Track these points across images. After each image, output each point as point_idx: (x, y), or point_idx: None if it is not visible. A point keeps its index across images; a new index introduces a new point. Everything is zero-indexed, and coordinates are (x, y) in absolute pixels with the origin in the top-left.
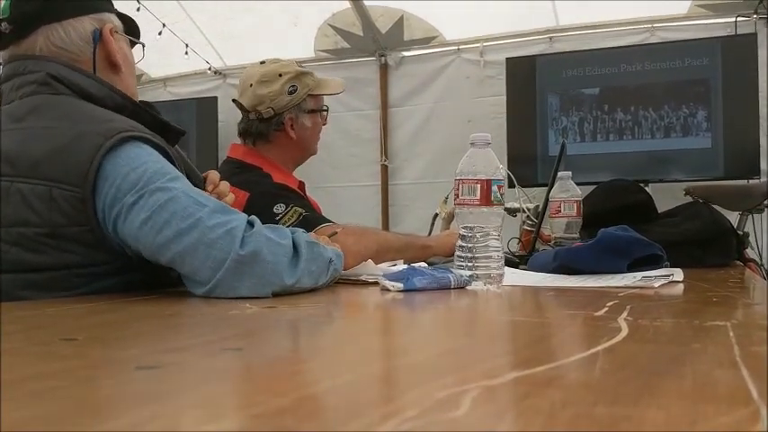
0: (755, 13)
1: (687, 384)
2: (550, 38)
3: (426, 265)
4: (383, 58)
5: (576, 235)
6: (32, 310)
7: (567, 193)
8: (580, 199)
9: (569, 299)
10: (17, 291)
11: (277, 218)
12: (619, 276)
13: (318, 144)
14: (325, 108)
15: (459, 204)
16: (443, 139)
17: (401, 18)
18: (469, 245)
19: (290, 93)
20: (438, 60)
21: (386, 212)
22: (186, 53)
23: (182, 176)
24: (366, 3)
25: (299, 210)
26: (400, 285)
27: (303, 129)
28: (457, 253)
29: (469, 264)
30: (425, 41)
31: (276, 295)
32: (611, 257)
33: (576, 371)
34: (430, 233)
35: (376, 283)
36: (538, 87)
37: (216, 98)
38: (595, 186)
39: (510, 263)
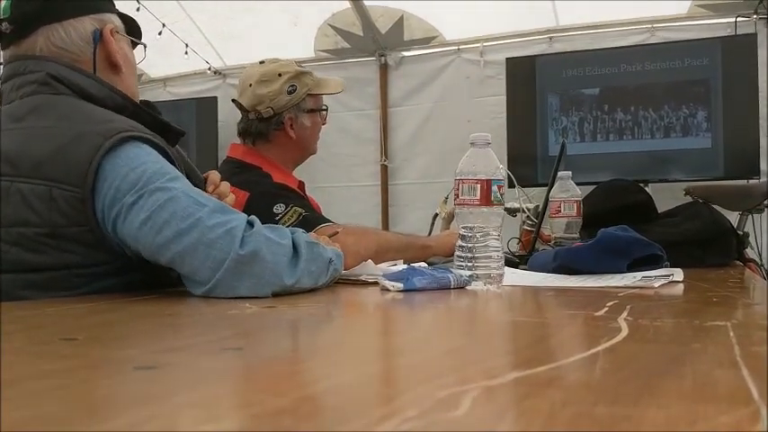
0: (755, 13)
1: (687, 384)
2: (550, 38)
3: (426, 265)
4: (383, 58)
5: (576, 235)
6: (32, 310)
7: (567, 193)
8: (580, 199)
9: (569, 299)
10: (17, 290)
11: (277, 218)
12: (619, 276)
13: (318, 144)
14: (324, 108)
15: (459, 204)
16: (443, 139)
17: (401, 18)
18: (469, 245)
19: (290, 92)
20: (438, 60)
21: (386, 212)
22: (186, 53)
23: (181, 176)
24: (366, 3)
25: (299, 210)
26: (400, 285)
27: (303, 128)
28: (457, 253)
29: (469, 264)
30: (425, 41)
31: (276, 295)
32: (611, 257)
33: (576, 371)
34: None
35: (376, 284)
36: (538, 87)
37: (216, 98)
38: (595, 186)
39: (510, 263)
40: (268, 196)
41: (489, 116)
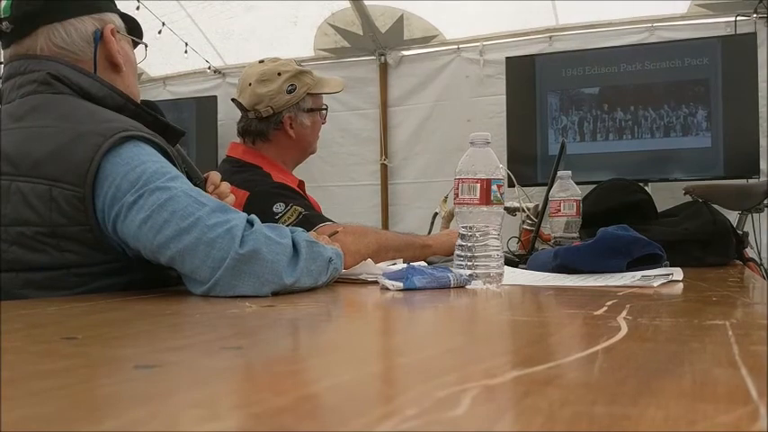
0: (755, 12)
1: (686, 383)
2: (550, 37)
3: (426, 264)
4: (383, 58)
5: (576, 234)
6: (33, 309)
7: (567, 192)
8: (580, 198)
9: (569, 298)
10: (17, 290)
11: (277, 217)
12: (618, 275)
13: (318, 143)
14: (324, 107)
15: (458, 203)
16: (443, 138)
17: (401, 17)
18: (469, 244)
19: (289, 92)
20: (438, 59)
21: (385, 211)
22: (186, 52)
23: (181, 176)
24: (366, 2)
25: (299, 209)
26: (400, 284)
27: (302, 127)
28: (456, 252)
29: (469, 263)
30: (425, 41)
31: (276, 294)
32: (610, 257)
33: (575, 370)
34: (429, 232)
35: (375, 283)
36: (537, 87)
37: (215, 97)
38: (595, 186)
39: (509, 262)
40: (268, 195)
41: (489, 115)
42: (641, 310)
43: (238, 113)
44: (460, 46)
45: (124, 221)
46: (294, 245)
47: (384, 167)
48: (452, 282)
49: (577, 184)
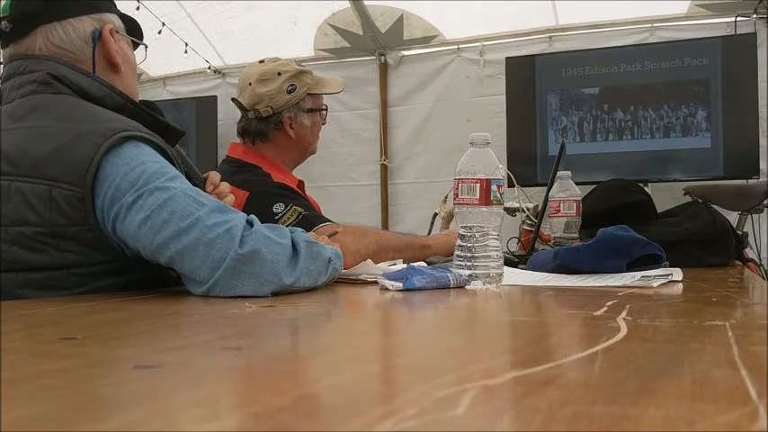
0: (755, 12)
1: (686, 384)
2: (550, 37)
3: (426, 264)
4: (383, 58)
5: (576, 235)
6: (32, 309)
7: (567, 192)
8: (579, 199)
9: (568, 298)
10: (16, 290)
11: (276, 217)
12: (618, 276)
13: (318, 143)
14: (324, 107)
15: (458, 204)
16: (443, 138)
17: (401, 17)
18: (469, 244)
19: (289, 92)
20: (438, 60)
21: (385, 212)
22: (186, 52)
23: (180, 176)
24: (366, 2)
25: (299, 209)
26: (399, 285)
27: (302, 128)
28: (456, 252)
29: (469, 263)
30: (425, 41)
31: (275, 294)
32: (610, 257)
33: (574, 370)
34: (429, 232)
35: (375, 283)
36: (537, 87)
37: (215, 97)
38: (595, 186)
39: (509, 262)
40: (267, 196)
41: (489, 115)
42: (641, 310)
43: (238, 113)
44: (460, 46)
45: (123, 221)
46: (294, 245)
47: (384, 168)
48: (452, 282)
49: (577, 184)
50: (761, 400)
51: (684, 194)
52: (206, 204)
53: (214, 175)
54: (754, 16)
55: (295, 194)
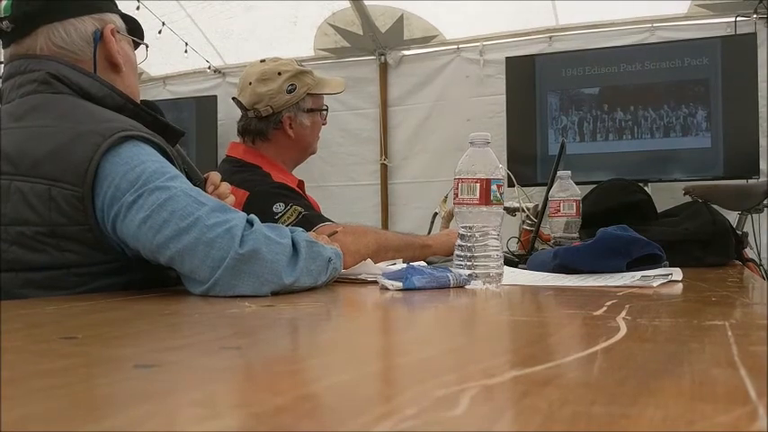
0: (755, 12)
1: (685, 384)
2: (550, 37)
3: (425, 264)
4: (383, 57)
5: (576, 234)
6: (32, 309)
7: (567, 192)
8: (579, 198)
9: (568, 298)
10: (16, 289)
11: (276, 217)
12: (618, 276)
13: (318, 143)
14: (324, 108)
15: (458, 203)
16: (443, 138)
17: (401, 17)
18: (469, 244)
19: (289, 91)
20: (438, 59)
21: (385, 211)
22: (186, 52)
23: (180, 175)
24: (366, 2)
25: (299, 209)
26: (399, 284)
27: (302, 128)
28: (456, 252)
29: (468, 263)
30: (425, 40)
31: (275, 294)
32: (610, 257)
33: (574, 370)
34: (429, 232)
35: (375, 283)
36: (537, 87)
37: (215, 97)
38: (595, 186)
39: (509, 262)
40: (267, 195)
41: (489, 115)
42: (641, 310)
43: (238, 113)
44: (460, 46)
45: (123, 221)
46: (294, 245)
47: (384, 167)
48: (452, 282)
49: (577, 184)
50: (760, 400)
51: (684, 194)
52: (206, 204)
53: (214, 176)
54: (755, 16)
55: (295, 194)
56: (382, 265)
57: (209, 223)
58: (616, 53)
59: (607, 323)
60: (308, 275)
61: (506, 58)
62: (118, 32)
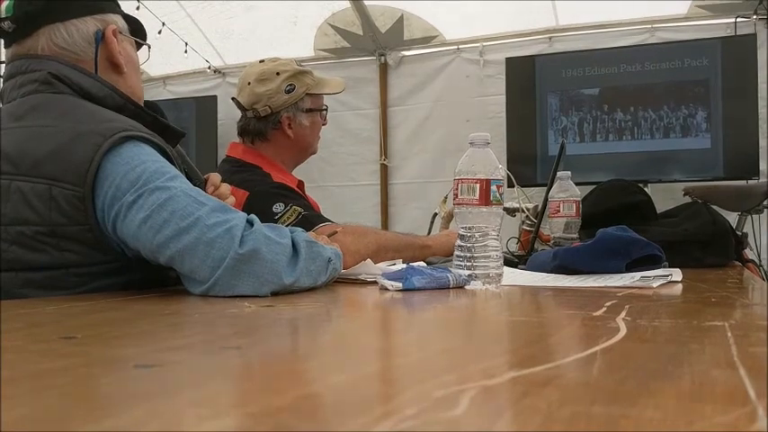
0: (755, 13)
1: (685, 384)
2: (550, 38)
3: (425, 264)
4: (383, 58)
5: (575, 235)
6: (32, 308)
7: (567, 193)
8: (579, 199)
9: (568, 299)
10: (16, 289)
11: (276, 217)
12: (617, 276)
13: (319, 143)
14: (324, 108)
15: (458, 204)
16: (443, 138)
17: (401, 17)
18: (468, 244)
19: (288, 91)
20: (438, 60)
21: (385, 211)
22: (186, 52)
23: (181, 176)
24: (366, 2)
25: (299, 209)
26: (399, 285)
27: (301, 128)
28: (456, 252)
29: (468, 263)
30: (425, 41)
31: (275, 294)
32: (609, 257)
33: (574, 370)
34: (429, 233)
35: (375, 283)
36: (537, 87)
37: (215, 97)
38: (594, 186)
39: (509, 263)
40: (267, 195)
41: (489, 116)
42: (640, 310)
43: (238, 113)
44: (460, 46)
45: (124, 221)
46: (294, 245)
47: (384, 167)
48: (451, 282)
49: (577, 184)
50: (760, 400)
51: (684, 195)
52: (206, 204)
53: (215, 177)
54: (754, 17)
55: (295, 194)
56: (382, 265)
57: (210, 223)
58: (616, 54)
59: (607, 324)
60: (308, 276)
61: (506, 58)
62: (120, 33)
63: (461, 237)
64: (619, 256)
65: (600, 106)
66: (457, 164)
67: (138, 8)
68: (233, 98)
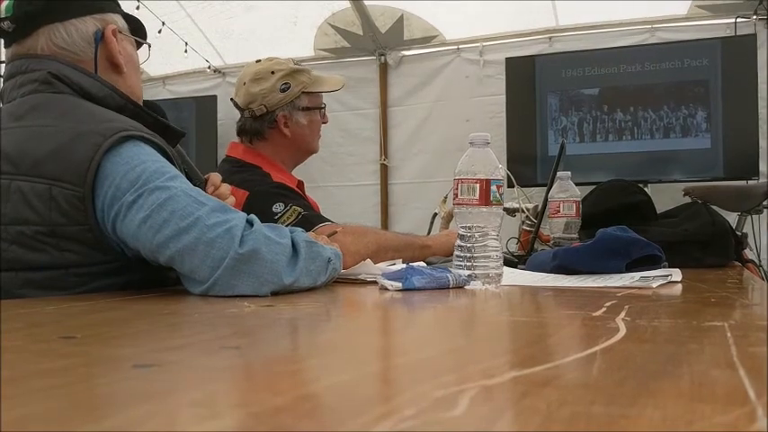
0: (755, 13)
1: (684, 384)
2: (550, 38)
3: (425, 264)
4: (383, 58)
5: (575, 235)
6: (32, 308)
7: (566, 193)
8: (579, 199)
9: (567, 299)
10: (16, 289)
11: (276, 217)
12: (617, 276)
13: (320, 142)
14: (322, 106)
15: (458, 204)
16: (443, 138)
17: (401, 17)
18: (468, 244)
19: (283, 90)
20: (437, 60)
21: (385, 211)
22: (186, 51)
23: (181, 175)
24: (366, 2)
25: (299, 209)
26: (399, 285)
27: (298, 126)
28: (456, 252)
29: (468, 263)
30: (425, 41)
31: (275, 294)
32: (609, 258)
33: (573, 371)
34: (429, 232)
35: (374, 283)
36: (537, 87)
37: (215, 97)
38: (594, 187)
39: (508, 263)
40: (267, 195)
41: (488, 116)
42: (640, 311)
43: (238, 113)
44: (460, 46)
45: (123, 221)
46: (293, 245)
47: (383, 167)
48: (451, 282)
49: (577, 184)
50: (759, 400)
51: (684, 195)
52: (206, 204)
53: (215, 177)
54: (754, 17)
55: (294, 194)
56: (382, 265)
57: (210, 223)
58: (616, 54)
59: (606, 324)
60: (308, 276)
61: (506, 58)
62: (120, 32)
63: (461, 237)
64: (618, 256)
65: (600, 106)
66: (457, 164)
67: (137, 8)
68: (231, 99)
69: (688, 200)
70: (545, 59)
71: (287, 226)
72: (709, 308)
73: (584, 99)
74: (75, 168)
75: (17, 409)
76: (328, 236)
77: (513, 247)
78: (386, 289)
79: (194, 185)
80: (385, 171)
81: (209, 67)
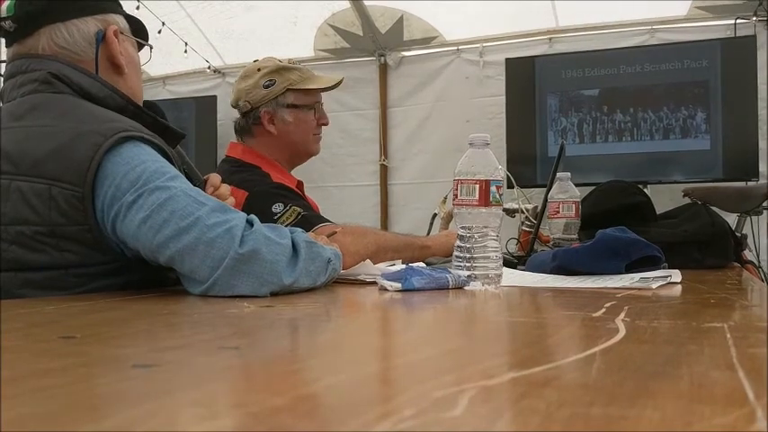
0: (755, 15)
1: (683, 385)
2: (550, 39)
3: (425, 265)
4: (383, 58)
5: (575, 236)
6: (31, 308)
7: (566, 193)
8: (579, 200)
9: (567, 299)
10: (15, 289)
11: (276, 217)
12: (617, 277)
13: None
14: (313, 105)
15: (457, 205)
16: (442, 139)
17: (401, 18)
18: (468, 245)
19: (266, 86)
20: (437, 60)
21: (384, 212)
22: (185, 52)
23: (181, 176)
24: (366, 3)
25: (298, 209)
26: (398, 285)
27: (284, 123)
28: (455, 253)
29: (468, 264)
30: (425, 41)
31: (274, 294)
32: (609, 258)
33: (573, 371)
34: (428, 233)
35: (374, 283)
36: (537, 88)
37: (215, 97)
38: (594, 187)
39: (508, 263)
40: (267, 195)
41: (488, 116)
42: (639, 311)
43: (237, 113)
44: (460, 47)
45: (123, 221)
46: (293, 245)
47: (383, 168)
48: (451, 283)
49: (576, 185)
50: (758, 401)
51: (684, 196)
52: (206, 204)
53: (215, 178)
54: (754, 19)
55: (294, 195)
56: (381, 265)
57: (210, 223)
58: (616, 55)
59: (606, 325)
60: (308, 276)
61: (506, 59)
62: (121, 33)
63: (461, 237)
64: (618, 256)
65: (600, 107)
66: (456, 164)
67: (138, 8)
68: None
69: (688, 201)
70: (545, 60)
71: (286, 226)
72: (709, 309)
73: (584, 100)
74: (74, 168)
75: (17, 409)
76: (328, 236)
77: (513, 247)
78: (385, 289)
79: (194, 186)
80: (385, 171)
81: (208, 68)
